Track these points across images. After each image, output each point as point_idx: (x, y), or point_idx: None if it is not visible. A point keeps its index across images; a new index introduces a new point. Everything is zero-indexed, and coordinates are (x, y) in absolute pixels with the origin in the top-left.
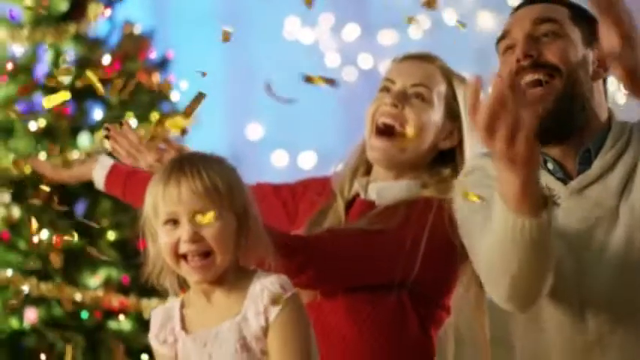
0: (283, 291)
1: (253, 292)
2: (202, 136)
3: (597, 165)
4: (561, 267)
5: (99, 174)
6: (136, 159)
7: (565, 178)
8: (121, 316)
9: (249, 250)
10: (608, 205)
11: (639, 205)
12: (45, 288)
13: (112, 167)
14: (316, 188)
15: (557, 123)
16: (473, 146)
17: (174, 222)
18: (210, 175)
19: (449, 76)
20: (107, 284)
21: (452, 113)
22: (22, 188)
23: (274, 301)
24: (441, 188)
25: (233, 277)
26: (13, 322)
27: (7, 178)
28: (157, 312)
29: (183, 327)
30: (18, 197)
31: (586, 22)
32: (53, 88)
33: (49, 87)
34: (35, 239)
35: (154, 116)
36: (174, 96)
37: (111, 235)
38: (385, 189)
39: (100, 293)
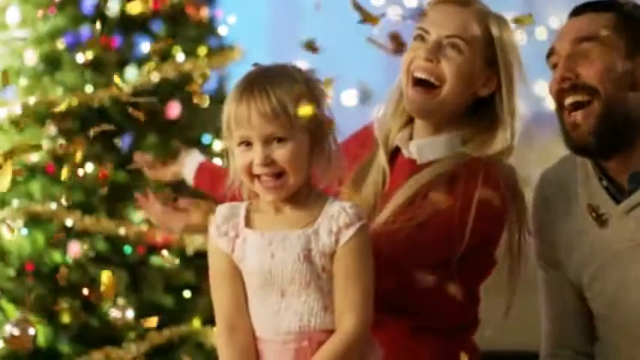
0: (356, 219)
1: (329, 211)
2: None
3: None
4: (605, 285)
5: (188, 173)
6: (167, 225)
7: (618, 195)
8: (165, 252)
9: (324, 167)
10: None
11: None
12: (89, 222)
13: (199, 165)
14: (357, 141)
15: (601, 143)
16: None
17: (247, 143)
18: (279, 95)
19: (485, 21)
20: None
21: (489, 59)
22: (68, 121)
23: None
24: (482, 142)
25: (304, 194)
26: (56, 256)
27: (54, 111)
28: (222, 207)
29: (248, 225)
30: (64, 130)
31: (632, 29)
32: None
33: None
34: (80, 172)
35: (202, 50)
36: (222, 30)
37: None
38: (426, 147)
39: (144, 228)
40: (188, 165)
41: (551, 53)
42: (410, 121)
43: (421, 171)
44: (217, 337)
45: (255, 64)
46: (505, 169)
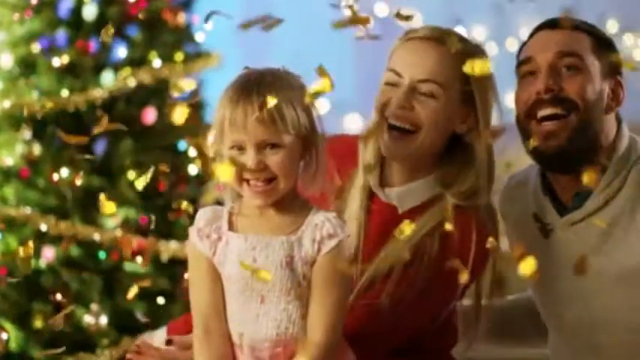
0: (340, 231)
1: (313, 220)
2: (223, 80)
3: (588, 205)
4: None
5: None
6: None
7: (561, 210)
8: (139, 258)
9: (310, 176)
10: (590, 245)
11: (615, 266)
12: (63, 227)
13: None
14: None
15: (569, 156)
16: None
17: (239, 147)
18: (278, 102)
19: (462, 59)
20: (125, 225)
21: (466, 96)
22: (42, 125)
23: None
24: (461, 181)
25: (289, 200)
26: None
27: (29, 115)
28: (204, 210)
29: (231, 228)
30: (39, 134)
31: (606, 53)
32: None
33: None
34: (55, 177)
35: (178, 56)
36: (199, 36)
37: (131, 175)
38: (406, 195)
39: (118, 234)
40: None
41: (525, 62)
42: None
43: (402, 220)
44: (194, 340)
45: (247, 68)
46: (489, 212)
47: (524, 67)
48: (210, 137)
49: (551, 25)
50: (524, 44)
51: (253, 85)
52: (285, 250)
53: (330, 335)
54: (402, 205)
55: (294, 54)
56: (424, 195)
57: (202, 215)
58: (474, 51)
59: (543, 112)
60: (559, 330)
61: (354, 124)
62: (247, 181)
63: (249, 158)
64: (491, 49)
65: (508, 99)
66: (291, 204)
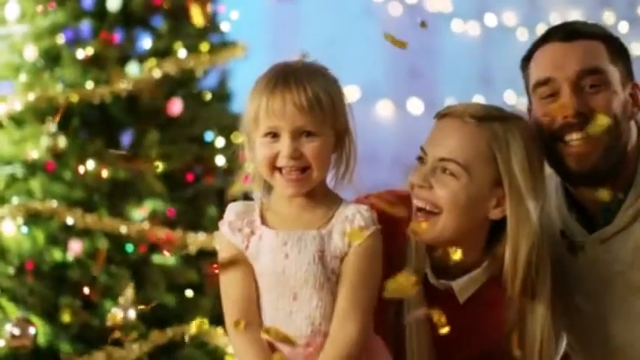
0: (371, 223)
1: (343, 214)
2: (250, 67)
3: (617, 221)
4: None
5: None
6: None
7: (589, 226)
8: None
9: (342, 170)
10: (624, 261)
11: None
12: (90, 220)
13: None
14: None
15: (600, 176)
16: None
17: (274, 135)
18: (315, 90)
19: (488, 140)
20: (153, 217)
21: (496, 179)
22: (68, 118)
23: (353, 235)
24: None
25: (320, 194)
26: (57, 254)
27: (54, 107)
28: (235, 203)
29: (264, 223)
30: (64, 127)
31: (622, 59)
32: None
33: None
34: (81, 170)
35: (204, 46)
36: (225, 26)
37: (158, 167)
38: (466, 286)
39: (146, 226)
40: None
41: (543, 82)
42: None
43: (465, 310)
44: (229, 332)
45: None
46: None
47: (543, 88)
48: (242, 126)
49: (562, 37)
50: (530, 54)
51: (291, 74)
52: (317, 245)
53: (361, 329)
54: (462, 297)
55: (324, 42)
56: (479, 283)
57: (233, 208)
58: (503, 130)
59: (573, 136)
60: (592, 351)
61: (385, 110)
62: (280, 169)
63: (284, 145)
64: (522, 35)
65: None
66: (321, 197)
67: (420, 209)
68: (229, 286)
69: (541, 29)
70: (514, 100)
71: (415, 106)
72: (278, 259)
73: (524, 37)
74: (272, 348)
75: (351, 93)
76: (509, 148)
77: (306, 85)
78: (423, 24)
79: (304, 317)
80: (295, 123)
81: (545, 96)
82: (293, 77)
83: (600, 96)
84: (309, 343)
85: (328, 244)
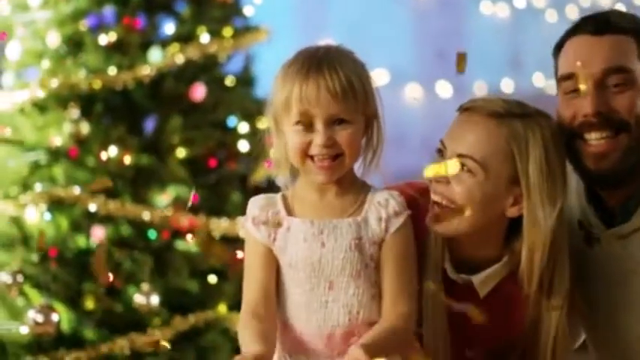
0: (404, 207)
1: (375, 198)
2: (274, 52)
3: (635, 220)
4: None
5: None
6: None
7: (608, 220)
8: (189, 236)
9: (369, 156)
10: (639, 261)
11: None
12: (113, 206)
13: None
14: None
15: (619, 177)
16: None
17: (306, 122)
18: (348, 75)
19: (506, 137)
20: (176, 203)
21: (514, 177)
22: (91, 104)
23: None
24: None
25: (349, 180)
26: (80, 241)
27: (76, 94)
28: (256, 198)
29: (290, 214)
30: (87, 113)
31: None
32: None
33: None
34: (104, 156)
35: (227, 31)
36: (248, 10)
37: (180, 153)
38: (486, 281)
39: (169, 212)
40: None
41: (568, 77)
42: None
43: (485, 305)
44: (240, 322)
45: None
46: None
47: (567, 82)
48: (269, 111)
49: (592, 29)
50: (561, 43)
51: (322, 59)
52: (354, 233)
53: (412, 306)
54: (483, 291)
55: (351, 25)
56: (499, 277)
57: (255, 203)
58: (523, 127)
59: (592, 136)
60: (607, 345)
61: (414, 92)
62: (312, 157)
63: (319, 134)
64: (551, 16)
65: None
66: (350, 183)
67: (436, 203)
68: (247, 281)
69: (570, 11)
70: (543, 82)
71: (444, 88)
72: (314, 248)
73: (553, 19)
74: None
75: (379, 76)
76: (529, 147)
77: (339, 71)
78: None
79: (341, 306)
80: (329, 110)
81: (569, 91)
82: (326, 63)
83: (625, 95)
84: (352, 331)
85: (366, 231)
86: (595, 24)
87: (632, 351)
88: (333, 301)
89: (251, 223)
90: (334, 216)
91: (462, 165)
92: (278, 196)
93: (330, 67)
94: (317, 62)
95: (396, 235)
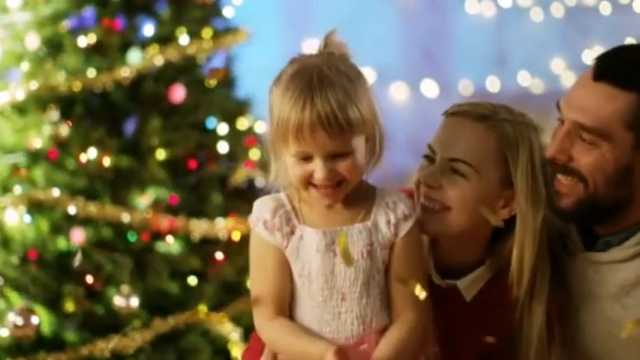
0: (413, 210)
1: (382, 201)
2: (256, 53)
3: (614, 254)
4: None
5: None
6: None
7: (588, 236)
8: (169, 238)
9: (369, 159)
10: (607, 291)
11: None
12: (93, 208)
13: None
14: None
15: (583, 218)
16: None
17: (305, 157)
18: (343, 106)
19: (499, 140)
20: (156, 205)
21: (506, 179)
22: (71, 106)
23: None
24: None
25: (356, 186)
26: (60, 243)
27: (56, 96)
28: (263, 200)
29: (302, 221)
30: (67, 115)
31: None
32: None
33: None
34: (83, 158)
35: (207, 33)
36: (228, 11)
37: (160, 154)
38: (471, 285)
39: (149, 214)
40: None
41: (558, 107)
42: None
43: (472, 309)
44: (262, 327)
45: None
46: None
47: (559, 115)
48: (268, 130)
49: (594, 71)
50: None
51: (317, 88)
52: (365, 239)
53: (423, 313)
54: (468, 295)
55: (336, 24)
56: (484, 280)
57: (264, 206)
58: (515, 129)
59: (557, 176)
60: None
61: (399, 92)
62: (314, 184)
63: (318, 169)
64: (536, 15)
65: (553, 65)
66: (357, 190)
67: (425, 207)
68: (260, 284)
69: (556, 9)
70: (528, 81)
71: (429, 88)
72: (327, 259)
73: (539, 18)
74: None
75: (366, 75)
76: (519, 149)
77: (333, 103)
78: None
79: (355, 317)
80: (327, 148)
81: (558, 124)
82: (319, 93)
83: (590, 153)
84: (363, 340)
85: (376, 236)
86: (599, 66)
87: None
88: (347, 312)
89: (263, 227)
90: (344, 223)
91: (454, 169)
92: (284, 199)
93: (323, 98)
94: (312, 93)
95: (405, 238)
